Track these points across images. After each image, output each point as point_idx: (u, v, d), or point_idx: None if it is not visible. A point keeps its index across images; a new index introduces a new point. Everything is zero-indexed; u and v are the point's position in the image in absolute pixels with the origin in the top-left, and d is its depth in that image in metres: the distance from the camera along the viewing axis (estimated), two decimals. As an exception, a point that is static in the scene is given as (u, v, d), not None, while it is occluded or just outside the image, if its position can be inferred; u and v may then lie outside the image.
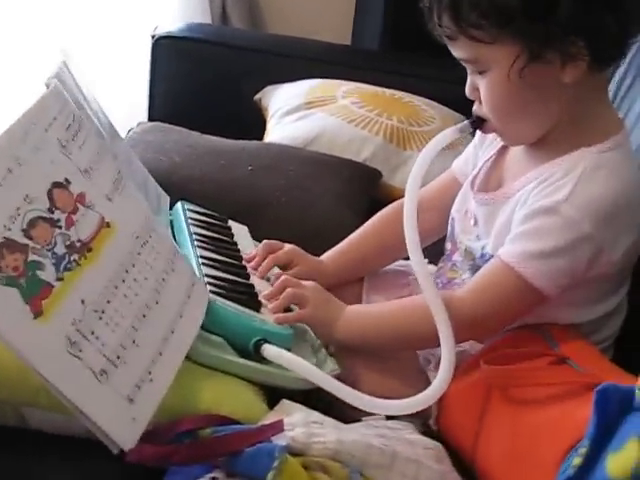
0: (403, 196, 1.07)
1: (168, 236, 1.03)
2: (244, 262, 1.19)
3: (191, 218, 1.26)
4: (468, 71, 1.02)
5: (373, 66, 1.99)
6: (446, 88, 1.60)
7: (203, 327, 1.00)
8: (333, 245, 1.26)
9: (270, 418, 0.91)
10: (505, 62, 0.96)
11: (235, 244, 1.24)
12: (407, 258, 1.19)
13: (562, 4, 0.91)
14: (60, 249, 0.85)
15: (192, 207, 1.32)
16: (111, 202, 0.94)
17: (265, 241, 1.22)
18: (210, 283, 1.06)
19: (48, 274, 0.82)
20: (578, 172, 0.97)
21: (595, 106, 1.01)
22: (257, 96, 1.86)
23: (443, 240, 1.21)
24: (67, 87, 1.11)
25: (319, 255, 1.25)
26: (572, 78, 0.95)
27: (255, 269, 1.17)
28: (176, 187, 1.41)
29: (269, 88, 1.86)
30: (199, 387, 0.95)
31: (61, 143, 0.91)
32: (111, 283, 0.89)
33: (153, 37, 1.92)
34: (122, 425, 0.83)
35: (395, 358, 1.11)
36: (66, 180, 0.89)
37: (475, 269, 1.07)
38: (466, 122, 1.06)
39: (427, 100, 1.81)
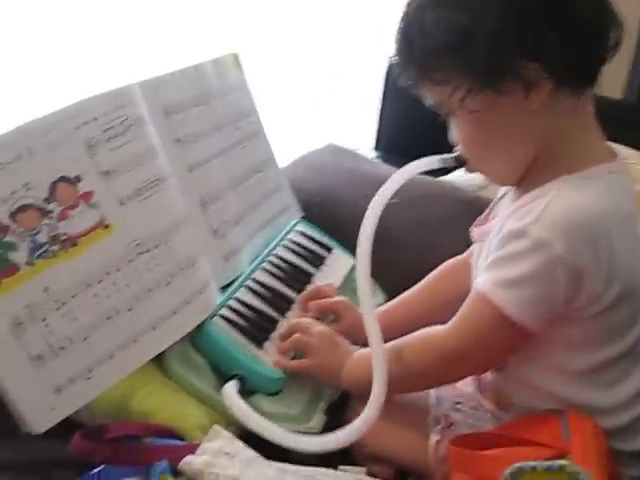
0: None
1: (187, 253, 1.05)
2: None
3: (289, 239, 1.28)
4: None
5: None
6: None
7: (194, 344, 1.03)
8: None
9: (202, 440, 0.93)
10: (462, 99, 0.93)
11: (310, 276, 1.23)
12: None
13: (480, 31, 0.87)
14: (42, 237, 0.93)
15: (304, 228, 1.33)
16: (123, 206, 1.00)
17: (316, 284, 1.21)
18: (231, 307, 1.08)
19: (19, 256, 0.91)
20: (550, 195, 0.90)
21: (576, 134, 0.95)
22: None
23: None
24: (210, 75, 1.23)
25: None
26: (537, 103, 0.91)
27: (304, 310, 1.17)
28: (316, 207, 1.43)
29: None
30: (147, 390, 0.99)
31: (89, 143, 0.98)
32: (84, 280, 0.95)
33: (389, 59, 1.93)
34: (38, 410, 0.90)
35: (404, 415, 1.06)
36: (77, 177, 0.97)
37: None
38: (451, 155, 1.02)
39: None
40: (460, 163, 1.02)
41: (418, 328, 1.10)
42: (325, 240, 1.34)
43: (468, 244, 1.36)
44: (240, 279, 1.14)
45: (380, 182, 1.52)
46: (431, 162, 1.03)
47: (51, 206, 0.94)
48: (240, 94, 1.34)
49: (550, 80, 0.90)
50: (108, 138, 1.00)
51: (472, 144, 0.97)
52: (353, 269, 1.34)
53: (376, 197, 1.02)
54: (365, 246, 0.98)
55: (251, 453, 0.91)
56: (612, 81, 1.87)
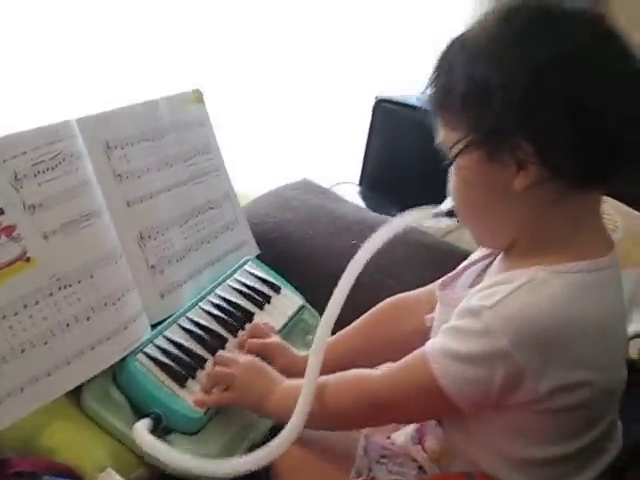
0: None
1: (113, 289, 1.06)
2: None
3: (234, 278, 1.28)
4: None
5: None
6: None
7: (115, 380, 1.04)
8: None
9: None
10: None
11: (251, 315, 1.23)
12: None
13: (498, 94, 0.84)
14: (-42, 269, 0.94)
15: (253, 267, 1.34)
16: (46, 240, 1.00)
17: (254, 323, 1.20)
18: (157, 345, 1.08)
19: None
20: (518, 283, 0.87)
21: (565, 226, 0.91)
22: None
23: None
24: (163, 111, 1.24)
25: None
26: (522, 185, 0.87)
27: (241, 347, 1.16)
28: (273, 244, 1.43)
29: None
30: (56, 426, 0.99)
31: (16, 176, 0.99)
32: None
33: (376, 98, 1.96)
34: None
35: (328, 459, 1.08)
36: (0, 210, 0.97)
37: None
38: (443, 209, 1.02)
39: (621, 205, 1.60)
40: (452, 216, 1.01)
41: (354, 365, 1.08)
42: (273, 280, 1.33)
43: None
44: (174, 316, 1.14)
45: (343, 221, 1.53)
46: (425, 215, 1.04)
47: (-29, 238, 0.95)
48: (199, 130, 1.35)
49: (539, 167, 0.86)
50: (37, 172, 1.01)
51: (457, 199, 0.96)
52: (301, 309, 1.33)
53: (364, 247, 1.04)
54: (339, 297, 1.03)
55: None
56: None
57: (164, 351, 1.08)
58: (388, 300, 1.21)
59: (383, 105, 1.97)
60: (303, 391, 0.96)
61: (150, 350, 1.07)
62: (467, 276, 1.06)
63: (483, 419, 0.93)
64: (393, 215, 1.71)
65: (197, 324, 1.15)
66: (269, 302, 1.28)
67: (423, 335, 1.08)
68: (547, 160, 0.85)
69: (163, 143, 1.25)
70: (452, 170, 0.95)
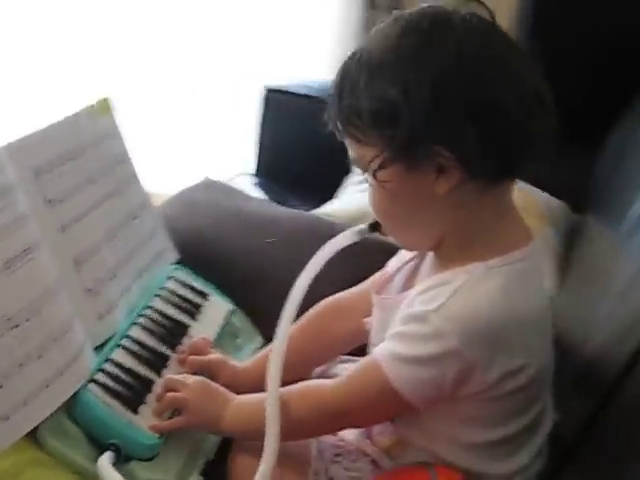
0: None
1: (60, 322, 1.04)
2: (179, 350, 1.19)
3: (165, 288, 1.28)
4: None
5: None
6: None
7: (68, 413, 1.03)
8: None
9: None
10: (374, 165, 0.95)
11: (186, 328, 1.24)
12: (350, 353, 1.21)
13: (406, 109, 0.89)
14: None
15: (180, 275, 1.34)
16: (-10, 281, 0.98)
17: (194, 340, 1.22)
18: (106, 370, 1.08)
19: None
20: (457, 284, 0.94)
21: (489, 222, 0.97)
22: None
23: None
24: (82, 125, 1.21)
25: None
26: (445, 189, 0.93)
27: (182, 364, 1.17)
28: (190, 249, 1.42)
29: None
30: (22, 465, 0.98)
31: (-46, 218, 0.96)
32: (-49, 360, 0.93)
33: (265, 88, 1.99)
34: None
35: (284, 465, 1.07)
36: (-58, 254, 0.94)
37: None
38: (364, 226, 1.06)
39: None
40: (375, 230, 1.05)
41: (296, 367, 1.13)
42: (201, 286, 1.34)
43: (347, 284, 1.38)
44: (116, 337, 1.14)
45: (252, 220, 1.53)
46: (348, 237, 1.06)
47: None
48: (113, 141, 1.32)
49: (460, 171, 0.92)
50: (-25, 210, 0.98)
51: (380, 212, 1.00)
52: (232, 313, 1.35)
53: (296, 284, 1.05)
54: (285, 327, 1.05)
55: None
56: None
57: (114, 377, 1.08)
58: (323, 302, 1.24)
59: (272, 95, 1.99)
60: (267, 429, 0.98)
61: (100, 377, 1.07)
62: (399, 279, 1.11)
63: (435, 412, 0.99)
64: (294, 206, 1.76)
65: (139, 343, 1.16)
66: (200, 311, 1.30)
67: (361, 335, 1.14)
68: (467, 162, 0.91)
69: (86, 159, 1.22)
70: (371, 184, 0.99)
